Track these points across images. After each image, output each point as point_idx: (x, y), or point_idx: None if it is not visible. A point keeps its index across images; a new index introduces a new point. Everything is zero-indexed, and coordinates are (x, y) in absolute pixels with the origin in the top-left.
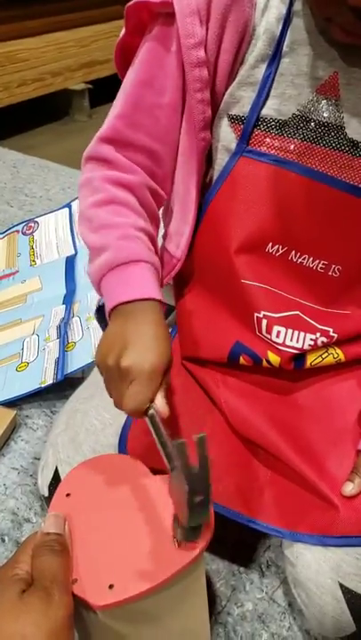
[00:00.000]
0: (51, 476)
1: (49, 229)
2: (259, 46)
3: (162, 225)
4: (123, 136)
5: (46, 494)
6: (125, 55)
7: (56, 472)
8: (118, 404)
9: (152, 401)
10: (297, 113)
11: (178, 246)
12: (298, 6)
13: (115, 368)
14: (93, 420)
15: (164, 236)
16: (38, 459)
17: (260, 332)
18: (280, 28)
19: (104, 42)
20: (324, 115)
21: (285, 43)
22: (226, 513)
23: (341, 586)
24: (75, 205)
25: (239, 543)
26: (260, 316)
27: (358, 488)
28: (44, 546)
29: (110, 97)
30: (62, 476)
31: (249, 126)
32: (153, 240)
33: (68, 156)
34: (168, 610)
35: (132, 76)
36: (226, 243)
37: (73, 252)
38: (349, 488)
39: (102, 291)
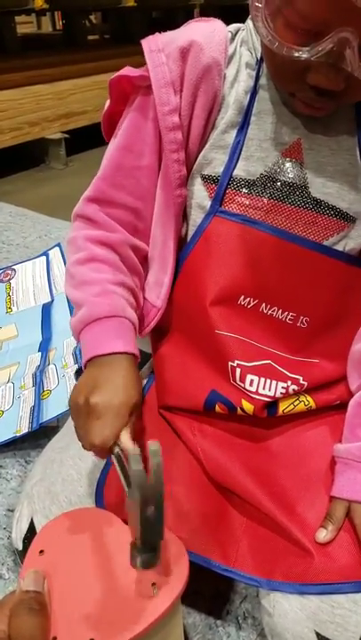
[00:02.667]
0: (25, 528)
1: (26, 277)
2: (229, 114)
3: None
4: (106, 196)
5: (20, 548)
6: (112, 123)
7: (31, 524)
8: (84, 441)
9: (117, 438)
10: (264, 173)
11: (158, 296)
12: (263, 81)
13: (83, 406)
14: (70, 470)
15: (143, 287)
16: (12, 510)
17: (235, 380)
18: (248, 98)
19: (81, 95)
20: (290, 175)
21: (253, 112)
22: (202, 562)
23: (318, 635)
24: (52, 253)
25: (216, 594)
26: (234, 365)
27: (332, 535)
28: (22, 605)
29: (86, 146)
30: (38, 527)
31: (222, 188)
32: (134, 292)
33: (43, 202)
34: None
35: (114, 143)
36: (201, 295)
37: (49, 300)
38: (323, 535)
39: (81, 344)
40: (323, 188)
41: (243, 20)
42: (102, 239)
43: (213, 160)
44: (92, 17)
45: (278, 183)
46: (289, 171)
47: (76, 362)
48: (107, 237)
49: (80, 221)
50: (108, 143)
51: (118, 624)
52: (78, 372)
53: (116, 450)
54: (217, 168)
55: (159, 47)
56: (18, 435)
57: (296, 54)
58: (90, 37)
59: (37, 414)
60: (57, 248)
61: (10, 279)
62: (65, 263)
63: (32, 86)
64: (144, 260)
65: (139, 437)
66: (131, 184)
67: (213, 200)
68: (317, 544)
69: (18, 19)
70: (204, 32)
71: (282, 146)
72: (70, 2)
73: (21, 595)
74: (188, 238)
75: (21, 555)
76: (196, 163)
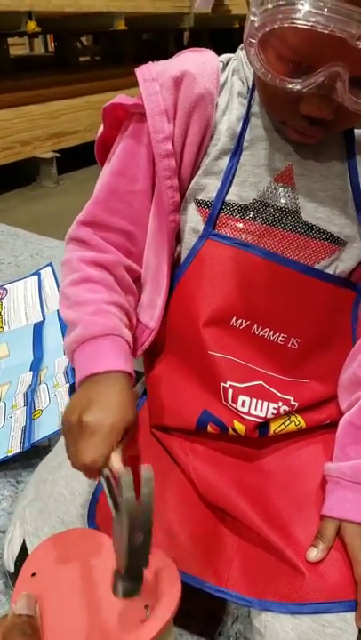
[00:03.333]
0: (17, 550)
1: (17, 296)
2: (222, 141)
3: None
4: (99, 219)
5: (12, 570)
6: (105, 148)
7: (23, 546)
8: (74, 459)
9: (108, 459)
10: (257, 198)
11: (152, 318)
12: (255, 109)
13: (76, 424)
14: (63, 490)
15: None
16: (3, 532)
17: (227, 401)
18: (240, 126)
19: (73, 115)
20: (282, 201)
21: (245, 138)
22: (195, 582)
23: None
24: (44, 272)
25: (207, 615)
26: (226, 385)
27: (322, 554)
28: (15, 629)
29: (77, 165)
30: (30, 549)
31: (215, 211)
32: (128, 312)
33: (34, 220)
34: None
35: (108, 168)
36: (194, 316)
37: (41, 319)
38: (314, 554)
39: (74, 363)
40: (314, 212)
41: (231, 43)
42: (97, 260)
43: (207, 185)
44: (83, 39)
45: (271, 208)
46: (281, 196)
47: (68, 381)
48: (101, 258)
49: (74, 244)
50: (98, 162)
51: None
52: (73, 389)
53: (106, 471)
54: (210, 193)
55: (153, 76)
56: (9, 455)
57: (289, 86)
58: (81, 59)
59: (29, 434)
60: (49, 267)
61: (1, 298)
62: (57, 282)
63: (24, 106)
64: (137, 280)
65: (131, 458)
66: (124, 208)
67: (207, 224)
68: (309, 563)
69: (10, 41)
70: (197, 62)
71: (274, 171)
72: (62, 25)
73: (14, 619)
74: (182, 260)
75: (13, 577)
76: (190, 188)
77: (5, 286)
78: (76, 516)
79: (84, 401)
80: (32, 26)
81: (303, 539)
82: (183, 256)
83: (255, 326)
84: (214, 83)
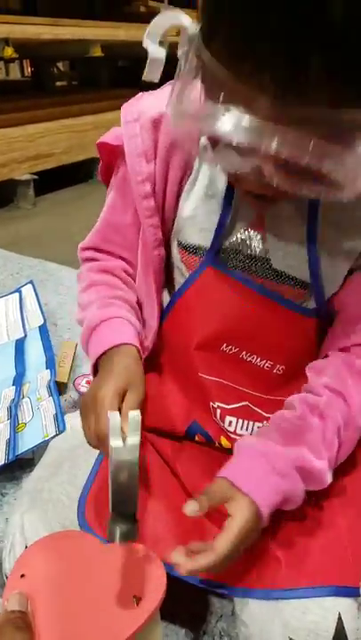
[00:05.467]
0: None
1: None
2: (200, 187)
3: None
4: (99, 247)
5: None
6: (109, 174)
7: None
8: (89, 433)
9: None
10: (228, 246)
11: (146, 337)
12: None
13: (90, 399)
14: (60, 496)
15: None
16: None
17: (215, 417)
18: (221, 182)
19: (49, 138)
20: (253, 248)
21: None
22: (177, 574)
23: None
24: (25, 290)
25: (192, 615)
26: (215, 406)
27: (200, 508)
28: (8, 624)
29: (53, 187)
30: None
31: (214, 248)
32: (132, 306)
33: (11, 241)
34: None
35: (107, 199)
36: (187, 339)
37: (23, 335)
38: (191, 507)
39: (88, 355)
40: (283, 260)
41: None
42: (101, 267)
43: (187, 229)
44: (59, 64)
45: (241, 255)
46: (252, 244)
47: (51, 394)
48: (105, 265)
49: (84, 262)
50: (73, 185)
51: (102, 638)
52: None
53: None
54: (191, 239)
55: (134, 117)
56: None
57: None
58: (58, 83)
59: (13, 446)
60: (29, 285)
61: None
62: (37, 299)
63: (1, 129)
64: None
65: None
66: (119, 238)
67: (207, 253)
68: (285, 550)
69: None
70: None
71: (247, 219)
72: (39, 51)
73: (7, 615)
74: (180, 284)
75: None
76: (174, 229)
77: None
78: (75, 520)
79: (94, 383)
80: (9, 52)
81: (281, 527)
82: (181, 280)
83: (244, 353)
84: None
